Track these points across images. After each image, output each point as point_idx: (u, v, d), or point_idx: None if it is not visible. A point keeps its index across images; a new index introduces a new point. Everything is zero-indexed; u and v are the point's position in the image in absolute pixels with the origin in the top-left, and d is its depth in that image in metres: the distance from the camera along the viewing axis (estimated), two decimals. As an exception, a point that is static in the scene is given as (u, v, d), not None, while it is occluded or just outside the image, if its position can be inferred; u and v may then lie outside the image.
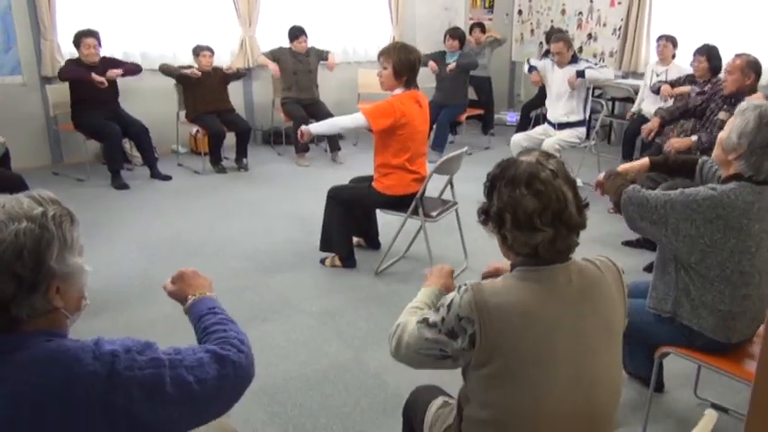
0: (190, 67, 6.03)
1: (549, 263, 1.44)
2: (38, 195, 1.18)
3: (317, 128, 3.91)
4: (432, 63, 6.71)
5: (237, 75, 6.33)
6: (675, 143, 4.21)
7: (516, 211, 1.41)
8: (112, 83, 5.68)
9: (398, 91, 3.72)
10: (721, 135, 2.25)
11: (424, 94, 3.88)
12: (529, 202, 1.40)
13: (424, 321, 1.51)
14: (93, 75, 5.41)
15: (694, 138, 4.13)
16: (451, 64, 6.64)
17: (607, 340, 1.45)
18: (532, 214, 1.40)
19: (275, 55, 6.54)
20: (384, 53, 3.69)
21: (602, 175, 2.52)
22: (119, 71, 5.65)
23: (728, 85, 3.98)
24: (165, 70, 6.01)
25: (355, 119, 3.68)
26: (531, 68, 5.71)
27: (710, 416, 1.39)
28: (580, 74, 5.29)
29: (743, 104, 2.23)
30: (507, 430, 1.44)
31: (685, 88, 5.16)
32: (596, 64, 5.43)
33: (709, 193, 2.08)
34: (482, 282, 1.44)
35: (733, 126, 2.19)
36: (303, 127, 3.86)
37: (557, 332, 1.39)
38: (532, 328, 1.38)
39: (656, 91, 5.58)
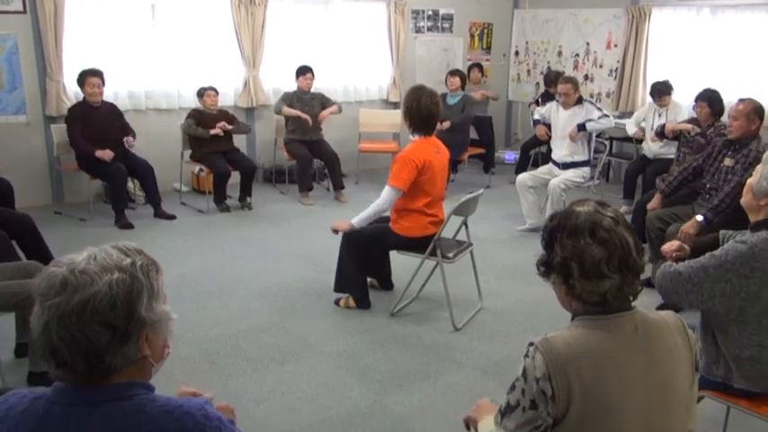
0: (201, 110, 6.07)
1: (615, 311, 1.44)
2: (124, 246, 1.20)
3: (359, 221, 3.76)
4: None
5: (242, 130, 6.35)
6: (686, 229, 3.79)
7: (583, 260, 1.42)
8: (118, 126, 5.72)
9: (415, 136, 3.78)
10: (751, 181, 2.28)
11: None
12: (595, 250, 1.41)
13: (502, 414, 1.46)
14: (98, 152, 5.40)
15: (699, 218, 3.80)
16: (446, 123, 6.63)
17: (674, 391, 1.44)
18: (600, 262, 1.41)
19: (288, 102, 6.56)
20: None
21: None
22: (131, 141, 5.73)
23: (734, 130, 3.99)
24: (187, 132, 6.05)
25: (388, 195, 3.67)
26: (536, 122, 5.77)
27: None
28: (581, 127, 5.40)
29: None
30: None
31: (687, 125, 5.21)
32: (599, 109, 5.48)
33: (740, 249, 2.09)
34: (548, 336, 1.43)
35: (763, 172, 2.23)
36: (340, 223, 3.84)
37: (627, 381, 1.39)
38: (605, 380, 1.38)
39: (660, 134, 5.64)
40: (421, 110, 3.71)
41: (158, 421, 1.11)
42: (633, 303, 1.50)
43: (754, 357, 2.17)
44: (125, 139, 5.68)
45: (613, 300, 1.43)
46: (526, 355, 1.42)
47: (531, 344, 1.42)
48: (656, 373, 1.42)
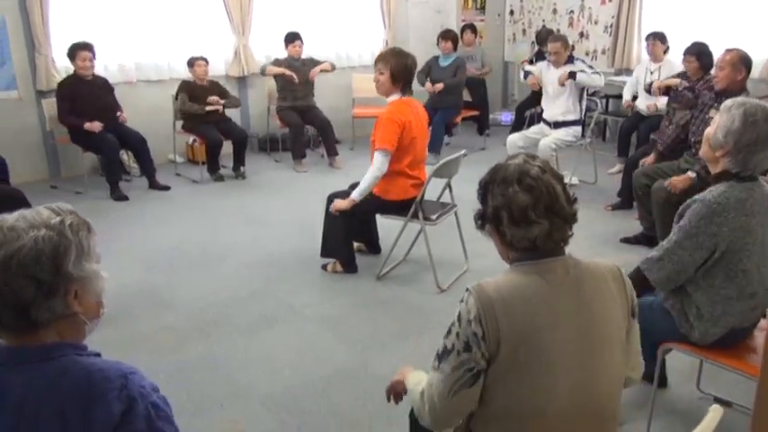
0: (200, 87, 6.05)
1: (547, 256, 1.49)
2: (57, 207, 1.25)
3: (359, 194, 3.70)
4: (428, 84, 6.81)
5: (233, 104, 6.34)
6: (676, 182, 3.91)
7: (511, 207, 1.48)
8: (108, 100, 5.74)
9: (394, 97, 3.75)
10: (708, 132, 2.26)
11: (418, 97, 3.91)
12: (522, 197, 1.47)
13: (438, 359, 1.50)
14: (87, 125, 5.42)
15: (692, 175, 3.85)
16: (438, 85, 6.70)
17: (606, 335, 1.48)
18: (526, 208, 1.46)
19: (276, 65, 6.55)
20: (381, 59, 3.73)
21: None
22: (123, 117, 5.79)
23: (720, 80, 3.92)
24: (182, 109, 6.05)
25: (379, 162, 3.63)
26: (527, 74, 5.75)
27: (716, 411, 1.41)
28: (572, 75, 5.33)
29: (728, 102, 2.22)
30: (516, 423, 1.47)
31: (674, 80, 5.09)
32: (591, 67, 5.44)
33: (698, 210, 2.13)
34: (481, 281, 1.48)
35: (719, 124, 2.20)
36: (341, 203, 3.75)
37: (559, 323, 1.44)
38: (535, 319, 1.42)
39: (647, 90, 5.58)
40: (413, 70, 3.77)
41: (78, 384, 1.14)
42: (567, 250, 1.54)
43: (720, 315, 2.20)
44: (118, 114, 5.74)
45: (543, 244, 1.48)
46: (461, 300, 1.48)
47: (467, 289, 1.49)
48: (586, 314, 1.46)
